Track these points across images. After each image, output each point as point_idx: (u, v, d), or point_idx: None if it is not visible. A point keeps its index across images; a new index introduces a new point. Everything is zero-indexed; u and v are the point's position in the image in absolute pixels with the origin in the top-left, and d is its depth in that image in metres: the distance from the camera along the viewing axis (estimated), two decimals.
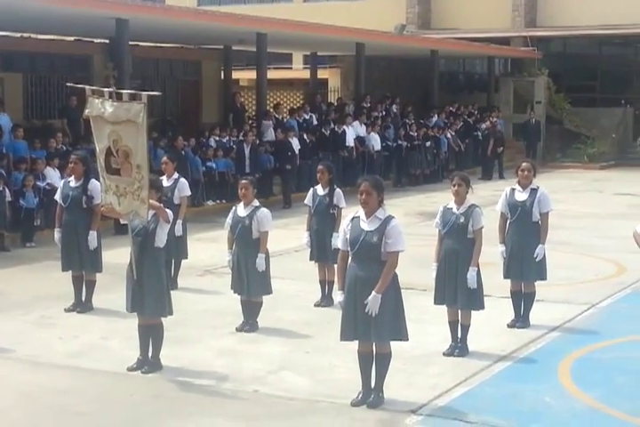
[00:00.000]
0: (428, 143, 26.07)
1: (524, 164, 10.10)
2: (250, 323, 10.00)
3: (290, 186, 21.32)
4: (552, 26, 34.84)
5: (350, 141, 23.65)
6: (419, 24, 36.29)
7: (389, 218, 7.49)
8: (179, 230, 11.61)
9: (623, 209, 19.99)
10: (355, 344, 7.64)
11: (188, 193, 12.10)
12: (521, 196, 9.97)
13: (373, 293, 7.31)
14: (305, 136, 22.38)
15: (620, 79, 34.91)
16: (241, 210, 9.87)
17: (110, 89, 8.30)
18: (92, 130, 8.41)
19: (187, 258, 12.22)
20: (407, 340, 7.70)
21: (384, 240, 7.38)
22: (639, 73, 33.41)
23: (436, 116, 28.48)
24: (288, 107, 29.22)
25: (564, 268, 13.07)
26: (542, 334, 9.82)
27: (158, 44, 26.03)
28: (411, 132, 25.82)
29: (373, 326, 7.39)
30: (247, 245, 9.79)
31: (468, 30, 34.65)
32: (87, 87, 8.48)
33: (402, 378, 8.21)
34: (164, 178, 11.46)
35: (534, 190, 9.98)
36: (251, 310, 10.03)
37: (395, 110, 28.32)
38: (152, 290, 8.39)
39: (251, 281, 9.82)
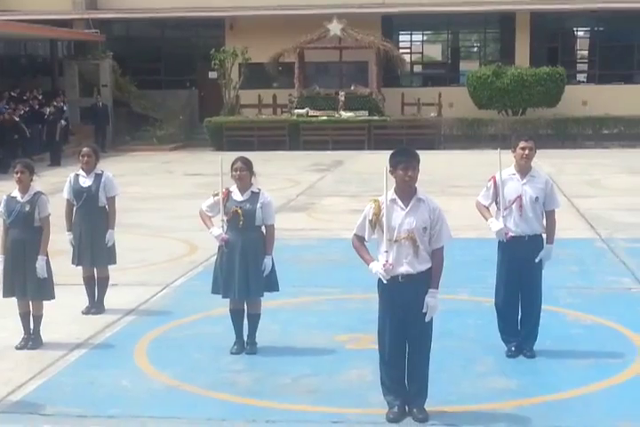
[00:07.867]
0: None
1: (84, 148, 9.99)
2: None
3: None
4: (113, 8, 34.82)
5: None
6: None
7: None
8: None
9: (192, 189, 20.47)
10: None
11: None
12: (85, 181, 9.87)
13: None
14: None
15: (183, 62, 35.74)
16: None
17: None
18: None
19: None
20: None
21: None
22: (200, 56, 34.34)
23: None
24: None
25: (138, 250, 13.20)
26: (118, 319, 9.83)
27: None
28: None
29: None
30: None
31: (27, 12, 33.68)
32: None
33: None
34: None
35: (99, 175, 9.92)
36: None
37: None
38: None
39: None
